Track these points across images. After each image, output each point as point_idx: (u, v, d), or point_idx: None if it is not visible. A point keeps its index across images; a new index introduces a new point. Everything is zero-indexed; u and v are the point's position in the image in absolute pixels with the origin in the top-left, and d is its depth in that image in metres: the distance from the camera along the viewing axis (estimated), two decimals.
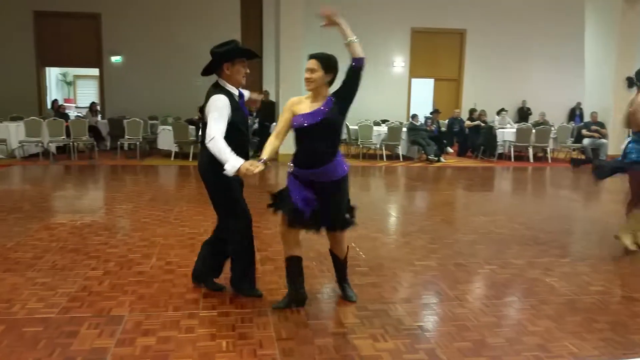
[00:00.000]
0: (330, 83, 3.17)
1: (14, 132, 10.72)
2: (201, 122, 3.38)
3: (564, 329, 3.13)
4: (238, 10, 14.58)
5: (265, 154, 3.15)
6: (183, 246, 4.62)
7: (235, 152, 3.03)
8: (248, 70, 3.33)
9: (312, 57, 3.14)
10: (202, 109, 3.27)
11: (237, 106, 3.23)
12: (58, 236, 4.83)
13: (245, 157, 3.10)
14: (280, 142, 3.22)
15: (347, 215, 3.32)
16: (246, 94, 3.46)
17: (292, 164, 3.18)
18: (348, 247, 3.50)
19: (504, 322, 3.25)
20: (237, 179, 3.17)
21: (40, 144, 10.68)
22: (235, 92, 3.26)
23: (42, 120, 10.91)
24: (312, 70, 3.08)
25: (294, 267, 3.31)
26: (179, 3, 14.09)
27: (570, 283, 3.94)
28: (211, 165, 3.10)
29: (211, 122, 3.07)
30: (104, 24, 13.91)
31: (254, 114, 12.80)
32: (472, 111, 13.57)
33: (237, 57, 3.23)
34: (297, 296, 3.32)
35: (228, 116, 3.11)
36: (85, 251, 4.39)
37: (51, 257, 4.20)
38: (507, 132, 12.61)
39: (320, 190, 3.13)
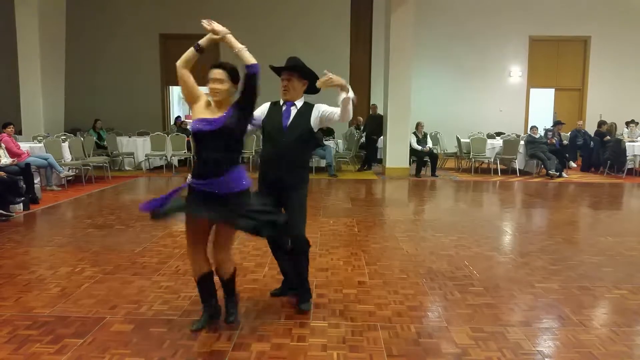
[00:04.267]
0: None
1: (141, 146, 11.86)
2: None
3: None
4: (348, 27, 14.89)
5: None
6: None
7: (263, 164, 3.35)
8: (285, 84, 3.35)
9: (218, 67, 2.99)
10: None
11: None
12: (181, 243, 5.17)
13: (273, 170, 3.29)
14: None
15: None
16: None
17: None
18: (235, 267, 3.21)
19: (637, 352, 2.92)
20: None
21: (164, 157, 11.65)
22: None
23: (165, 135, 11.85)
24: (219, 81, 2.94)
25: (205, 285, 3.12)
26: (292, 21, 14.69)
27: None
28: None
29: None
30: (222, 45, 14.91)
31: (361, 127, 12.91)
32: (601, 124, 12.49)
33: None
34: (212, 310, 3.17)
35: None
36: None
37: (174, 263, 4.53)
38: (637, 146, 11.46)
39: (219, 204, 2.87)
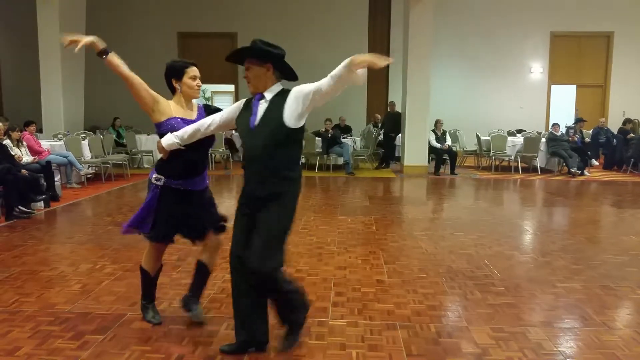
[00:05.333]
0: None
1: None
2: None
3: None
4: (366, 23, 14.82)
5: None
6: (311, 255, 4.74)
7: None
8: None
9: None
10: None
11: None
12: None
13: (247, 182, 2.73)
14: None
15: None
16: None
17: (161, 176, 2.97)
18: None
19: None
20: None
21: None
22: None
23: None
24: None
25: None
26: (310, 19, 14.67)
27: None
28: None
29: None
30: (239, 42, 14.96)
31: (379, 124, 12.85)
32: (626, 121, 12.25)
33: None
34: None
35: None
36: (224, 255, 4.60)
37: (193, 260, 4.52)
38: None
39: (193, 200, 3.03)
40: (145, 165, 11.92)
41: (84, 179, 9.19)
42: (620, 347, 2.92)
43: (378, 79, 14.42)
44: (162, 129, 2.94)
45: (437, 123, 11.44)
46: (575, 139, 11.41)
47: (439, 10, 12.66)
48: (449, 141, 11.39)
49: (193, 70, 3.03)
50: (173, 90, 3.08)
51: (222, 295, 3.68)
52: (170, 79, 3.08)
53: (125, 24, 14.94)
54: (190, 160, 2.94)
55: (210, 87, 19.51)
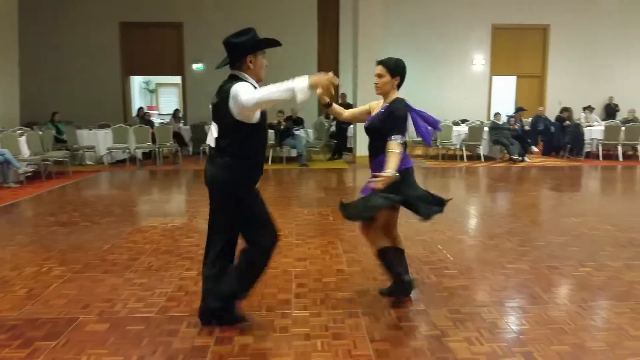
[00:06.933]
0: (398, 87, 3.28)
1: (102, 139, 11.36)
2: (214, 126, 2.89)
3: None
4: (315, 15, 14.75)
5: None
6: None
7: (255, 158, 2.87)
8: (267, 63, 2.93)
9: (379, 62, 3.23)
10: (217, 105, 2.82)
11: None
12: (151, 239, 5.07)
13: (262, 161, 2.97)
14: (346, 115, 3.61)
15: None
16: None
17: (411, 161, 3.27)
18: None
19: (603, 325, 3.08)
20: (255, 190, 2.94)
21: (127, 151, 11.28)
22: (256, 86, 2.84)
23: (128, 127, 11.48)
24: (379, 76, 3.22)
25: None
26: (259, 11, 14.46)
27: None
28: (228, 173, 2.79)
29: (245, 95, 2.64)
30: (185, 32, 14.58)
31: (330, 116, 12.89)
32: (563, 110, 12.87)
33: (261, 48, 2.87)
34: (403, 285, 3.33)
35: None
36: (178, 252, 4.59)
37: (146, 259, 4.42)
38: (594, 130, 11.94)
39: None
40: (88, 162, 11.39)
41: (23, 177, 8.70)
42: (567, 322, 3.10)
43: (329, 70, 14.41)
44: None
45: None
46: (516, 127, 11.90)
47: None
48: None
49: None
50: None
51: (180, 293, 3.60)
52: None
53: (62, 13, 14.16)
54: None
55: (154, 79, 18.94)
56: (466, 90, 15.40)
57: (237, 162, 2.79)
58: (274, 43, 2.90)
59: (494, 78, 15.80)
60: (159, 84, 19.32)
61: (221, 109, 2.77)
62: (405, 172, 3.14)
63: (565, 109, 12.73)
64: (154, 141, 11.32)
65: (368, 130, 3.30)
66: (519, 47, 15.64)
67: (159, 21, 14.44)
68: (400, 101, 3.20)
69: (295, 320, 3.13)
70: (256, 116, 2.76)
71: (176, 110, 14.23)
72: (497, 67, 15.68)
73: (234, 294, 2.97)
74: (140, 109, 14.10)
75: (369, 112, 3.40)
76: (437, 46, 15.09)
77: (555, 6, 15.14)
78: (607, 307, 3.35)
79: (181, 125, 13.58)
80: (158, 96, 19.65)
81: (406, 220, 5.62)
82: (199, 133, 12.14)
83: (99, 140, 11.39)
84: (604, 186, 9.00)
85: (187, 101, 15.14)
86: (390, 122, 3.11)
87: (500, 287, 3.70)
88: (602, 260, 4.28)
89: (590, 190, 8.67)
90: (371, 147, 3.29)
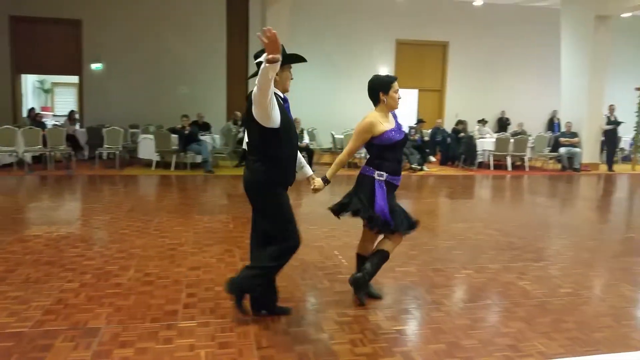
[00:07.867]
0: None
1: None
2: (245, 129, 3.31)
3: (535, 329, 3.25)
4: (224, 18, 14.53)
5: (331, 173, 3.73)
6: (162, 257, 4.56)
7: (285, 162, 3.15)
8: (293, 77, 3.24)
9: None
10: (246, 111, 3.12)
11: (284, 110, 3.11)
12: (32, 249, 4.72)
13: (294, 168, 3.28)
14: (348, 157, 3.85)
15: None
16: None
17: (383, 173, 3.50)
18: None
19: (478, 324, 3.32)
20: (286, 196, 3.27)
21: (14, 154, 10.41)
22: (281, 95, 3.15)
23: (16, 128, 10.61)
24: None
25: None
26: (164, 10, 14.01)
27: (542, 286, 4.08)
28: (264, 177, 3.10)
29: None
30: (85, 30, 13.77)
31: (239, 122, 12.78)
32: (458, 122, 13.72)
33: (286, 63, 3.12)
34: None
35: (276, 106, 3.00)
36: (61, 263, 4.31)
37: (24, 270, 4.11)
38: (486, 142, 12.86)
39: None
40: None
41: None
42: (445, 322, 3.32)
43: (237, 76, 14.29)
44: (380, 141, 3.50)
45: (295, 121, 11.71)
46: (416, 137, 12.52)
47: (296, 9, 12.95)
48: (306, 139, 11.75)
49: (396, 85, 3.61)
50: (377, 102, 3.63)
51: (59, 306, 3.38)
52: (378, 92, 3.61)
53: None
54: (399, 158, 3.59)
55: (50, 79, 17.67)
56: (371, 101, 15.90)
57: (267, 165, 3.08)
58: (299, 59, 3.19)
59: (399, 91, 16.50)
60: (54, 84, 18.06)
61: (249, 115, 3.06)
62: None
63: (461, 122, 13.63)
64: (45, 144, 10.55)
65: (404, 142, 3.65)
66: (422, 62, 16.46)
67: (56, 17, 13.54)
68: None
69: (181, 331, 3.06)
70: (275, 120, 2.98)
71: (71, 112, 13.33)
72: (401, 80, 15.92)
73: (252, 288, 3.19)
74: (32, 109, 13.11)
75: (370, 132, 3.54)
76: (342, 57, 15.48)
77: (453, 24, 16.11)
78: (483, 307, 3.62)
79: (77, 127, 12.78)
80: (54, 96, 18.36)
81: (306, 228, 5.74)
82: (96, 136, 11.50)
83: None
84: (493, 194, 9.72)
85: (85, 102, 14.26)
86: None
87: (389, 290, 3.88)
88: (483, 263, 4.63)
89: (480, 197, 9.33)
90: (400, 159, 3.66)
